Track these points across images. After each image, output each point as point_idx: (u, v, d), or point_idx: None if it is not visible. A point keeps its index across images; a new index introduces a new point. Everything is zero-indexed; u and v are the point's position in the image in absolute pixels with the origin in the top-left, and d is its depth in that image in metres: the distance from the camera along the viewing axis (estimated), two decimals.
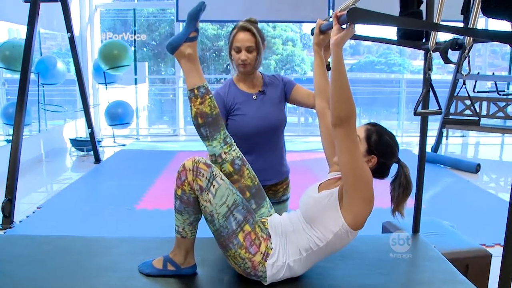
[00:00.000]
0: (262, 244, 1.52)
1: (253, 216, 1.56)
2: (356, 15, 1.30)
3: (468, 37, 1.59)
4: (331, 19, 1.68)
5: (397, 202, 1.54)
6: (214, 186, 1.48)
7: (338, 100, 1.38)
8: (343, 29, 1.37)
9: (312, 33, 1.80)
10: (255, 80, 2.05)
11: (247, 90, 2.03)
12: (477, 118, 1.85)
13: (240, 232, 1.51)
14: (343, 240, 1.51)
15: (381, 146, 1.52)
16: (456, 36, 1.77)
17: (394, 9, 1.95)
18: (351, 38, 1.43)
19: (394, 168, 1.59)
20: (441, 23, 1.73)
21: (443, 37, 1.74)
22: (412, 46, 1.93)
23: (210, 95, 1.66)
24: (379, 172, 1.55)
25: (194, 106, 1.63)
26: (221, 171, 1.63)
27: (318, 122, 1.81)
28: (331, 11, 6.84)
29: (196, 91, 1.63)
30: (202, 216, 1.57)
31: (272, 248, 1.53)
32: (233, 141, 1.72)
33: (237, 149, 1.71)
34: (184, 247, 1.60)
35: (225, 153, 1.66)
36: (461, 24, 1.77)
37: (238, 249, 1.50)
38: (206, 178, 1.48)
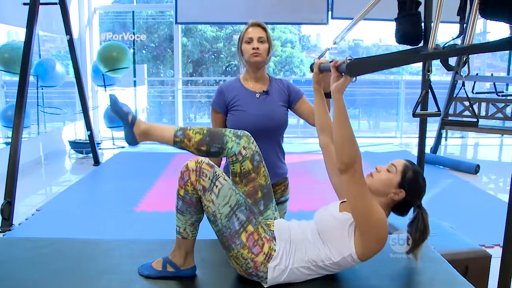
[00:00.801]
0: (265, 245, 1.53)
1: (256, 217, 1.57)
2: (355, 69, 1.33)
3: (467, 43, 1.59)
4: (327, 57, 1.71)
5: (414, 245, 1.57)
6: (217, 186, 1.49)
7: (341, 146, 1.41)
8: (342, 75, 1.40)
9: (311, 70, 1.80)
10: (261, 80, 2.07)
11: (252, 89, 2.05)
12: (475, 120, 1.86)
13: (242, 232, 1.51)
14: (346, 264, 1.53)
15: (413, 185, 1.55)
16: (453, 36, 1.78)
17: (393, 10, 1.96)
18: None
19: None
20: (440, 25, 1.74)
21: (443, 38, 1.75)
22: (412, 53, 1.94)
23: (188, 128, 1.68)
24: (400, 208, 1.58)
25: (189, 147, 1.67)
26: (241, 170, 1.65)
27: (323, 155, 1.81)
28: (329, 13, 6.85)
29: (176, 138, 1.67)
30: (203, 217, 1.58)
31: (275, 250, 1.53)
32: (245, 131, 1.71)
33: (255, 141, 1.71)
34: (184, 248, 1.60)
35: (244, 148, 1.66)
36: (457, 25, 1.78)
37: (240, 249, 1.51)
38: (209, 178, 1.48)
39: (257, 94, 2.03)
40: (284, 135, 2.15)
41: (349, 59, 1.39)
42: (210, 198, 1.49)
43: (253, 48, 1.97)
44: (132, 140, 1.69)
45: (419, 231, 1.56)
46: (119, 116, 1.69)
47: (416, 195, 1.57)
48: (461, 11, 1.75)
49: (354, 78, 1.39)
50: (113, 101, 1.72)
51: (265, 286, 1.54)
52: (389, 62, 1.39)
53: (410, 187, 1.54)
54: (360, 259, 1.50)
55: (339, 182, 1.72)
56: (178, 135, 1.66)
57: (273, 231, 1.60)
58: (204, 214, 1.57)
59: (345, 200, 1.63)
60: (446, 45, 1.75)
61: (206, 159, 1.53)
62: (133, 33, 8.08)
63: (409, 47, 2.00)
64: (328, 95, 1.81)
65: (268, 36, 2.02)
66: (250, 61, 2.01)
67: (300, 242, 1.56)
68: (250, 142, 1.67)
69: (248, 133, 1.70)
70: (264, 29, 2.02)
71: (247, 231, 1.52)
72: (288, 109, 2.12)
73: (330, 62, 1.66)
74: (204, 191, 1.48)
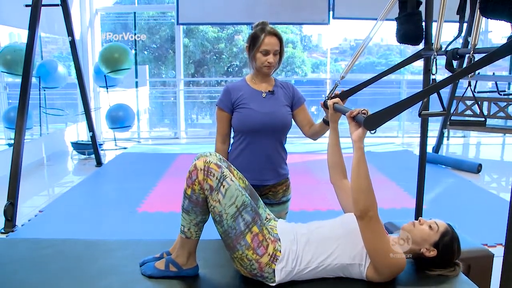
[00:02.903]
0: (270, 246, 1.53)
1: (260, 218, 1.58)
2: (372, 123, 1.39)
3: (472, 44, 1.60)
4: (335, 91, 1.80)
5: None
6: (224, 186, 1.50)
7: (358, 194, 1.46)
8: (359, 123, 1.45)
9: (325, 106, 1.85)
10: (267, 81, 2.09)
11: (258, 88, 2.07)
12: (482, 119, 1.87)
13: (248, 233, 1.52)
14: (354, 271, 1.56)
15: (447, 249, 1.60)
16: (454, 36, 1.78)
17: (393, 10, 1.96)
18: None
19: None
20: (443, 24, 1.74)
21: (444, 39, 1.76)
22: (415, 59, 1.96)
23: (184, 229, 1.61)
24: (424, 264, 1.63)
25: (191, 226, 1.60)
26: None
27: (334, 190, 1.85)
28: (331, 13, 6.86)
29: (183, 235, 1.61)
30: (208, 218, 1.59)
31: (280, 252, 1.54)
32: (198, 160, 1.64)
33: (210, 155, 1.72)
34: (188, 248, 1.61)
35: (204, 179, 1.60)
36: (457, 24, 1.78)
37: (245, 250, 1.51)
38: (217, 178, 1.50)
39: (263, 94, 2.05)
40: (287, 136, 2.15)
41: (363, 112, 1.46)
42: (217, 198, 1.50)
43: (268, 62, 1.99)
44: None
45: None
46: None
47: (445, 260, 1.61)
48: (461, 10, 1.75)
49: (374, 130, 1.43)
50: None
51: (272, 285, 1.55)
52: (402, 106, 1.42)
53: (443, 250, 1.59)
54: (368, 277, 1.54)
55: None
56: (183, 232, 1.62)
57: (277, 233, 1.61)
58: (210, 216, 1.58)
59: None
60: (448, 47, 1.76)
61: (214, 159, 1.55)
62: (134, 34, 8.09)
63: (410, 46, 2.01)
64: (326, 122, 1.90)
65: (282, 46, 2.03)
66: (261, 70, 2.04)
67: (306, 244, 1.57)
68: (205, 163, 1.53)
69: (201, 155, 1.70)
70: (280, 39, 2.02)
71: (252, 232, 1.52)
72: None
73: (340, 93, 1.78)
74: (211, 190, 1.49)
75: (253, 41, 2.01)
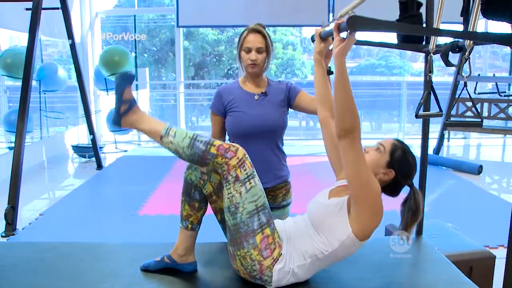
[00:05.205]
0: (276, 250, 1.53)
1: (273, 222, 1.58)
2: (356, 23, 1.29)
3: (468, 40, 1.59)
4: (326, 28, 1.68)
5: (405, 225, 1.55)
6: (250, 183, 1.51)
7: (342, 111, 1.39)
8: (344, 39, 1.37)
9: (312, 40, 1.78)
10: (260, 82, 2.08)
11: (250, 91, 2.05)
12: (479, 120, 1.85)
13: (259, 233, 1.51)
14: (348, 249, 1.51)
15: (402, 164, 1.53)
16: (456, 38, 1.77)
17: (394, 12, 1.96)
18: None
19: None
20: (441, 25, 1.73)
21: (443, 39, 1.75)
22: (413, 49, 1.93)
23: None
24: (391, 189, 1.57)
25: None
26: (213, 187, 1.64)
27: (321, 132, 1.79)
28: (330, 14, 6.86)
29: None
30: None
31: (281, 254, 1.53)
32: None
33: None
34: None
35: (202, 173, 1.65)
36: (461, 26, 1.77)
37: (251, 249, 1.51)
38: (247, 174, 1.52)
39: (255, 96, 2.04)
40: (286, 137, 2.14)
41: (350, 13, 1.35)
42: (240, 190, 1.50)
43: (251, 59, 1.97)
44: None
45: (411, 211, 1.53)
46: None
47: (406, 175, 1.55)
48: (465, 12, 1.74)
49: (354, 37, 1.35)
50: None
51: None
52: (389, 25, 1.37)
53: (400, 167, 1.53)
54: (359, 238, 1.47)
55: (337, 160, 1.71)
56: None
57: (280, 237, 1.60)
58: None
59: (333, 187, 1.63)
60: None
61: (250, 159, 1.56)
62: (134, 34, 8.10)
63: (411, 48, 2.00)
64: (329, 72, 1.81)
65: (268, 44, 2.00)
66: (247, 70, 2.02)
67: (295, 238, 1.56)
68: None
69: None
70: (264, 36, 1.98)
71: (263, 233, 1.52)
72: (289, 108, 2.11)
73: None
74: (235, 180, 1.50)
75: (238, 41, 2.02)
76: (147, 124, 1.59)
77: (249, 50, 1.97)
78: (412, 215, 1.53)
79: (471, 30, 1.60)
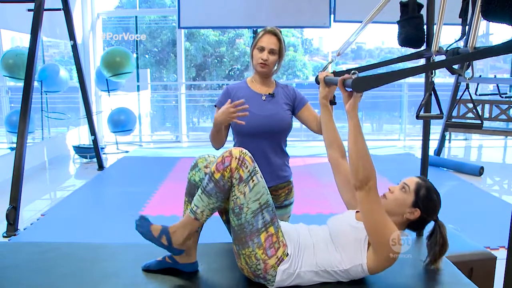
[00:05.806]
0: (280, 249, 1.53)
1: (278, 220, 1.58)
2: (361, 85, 1.35)
3: (470, 46, 1.60)
4: (329, 69, 1.73)
5: (434, 258, 1.61)
6: (253, 181, 1.51)
7: (356, 162, 1.42)
8: (351, 91, 1.42)
9: (317, 82, 1.80)
10: (268, 83, 2.09)
11: (258, 91, 2.07)
12: (479, 122, 1.86)
13: (264, 232, 1.52)
14: (355, 274, 1.54)
15: (427, 202, 1.55)
16: (456, 39, 1.78)
17: (394, 13, 1.96)
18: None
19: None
20: (442, 26, 1.74)
21: (444, 41, 1.76)
22: (416, 57, 1.95)
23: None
24: (416, 226, 1.60)
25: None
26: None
27: (332, 170, 1.80)
28: (332, 16, 6.87)
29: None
30: (223, 206, 1.60)
31: (287, 255, 1.54)
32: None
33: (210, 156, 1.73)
34: (189, 229, 1.59)
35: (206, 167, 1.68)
36: (459, 27, 1.78)
37: (256, 249, 1.51)
38: (249, 171, 1.51)
39: (263, 96, 2.05)
40: (288, 139, 2.15)
41: (353, 74, 1.40)
42: (243, 190, 1.50)
43: (262, 59, 1.99)
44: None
45: (438, 245, 1.59)
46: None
47: (431, 212, 1.57)
48: (463, 13, 1.75)
49: (361, 94, 1.41)
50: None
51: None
52: (393, 76, 1.41)
53: (425, 205, 1.55)
54: (369, 271, 1.51)
55: (350, 197, 1.73)
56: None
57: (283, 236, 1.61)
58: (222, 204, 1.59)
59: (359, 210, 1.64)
60: (449, 48, 1.76)
61: (248, 152, 1.55)
62: (135, 34, 8.11)
63: (411, 49, 2.01)
64: (331, 103, 1.82)
65: (281, 48, 2.02)
66: (257, 69, 2.04)
67: (310, 247, 1.56)
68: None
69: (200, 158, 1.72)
70: (279, 39, 2.01)
71: (268, 231, 1.52)
72: (292, 115, 2.12)
73: (332, 72, 1.68)
74: (240, 181, 1.50)
75: (253, 39, 2.05)
76: (182, 227, 1.59)
77: (262, 49, 1.99)
78: (440, 248, 1.59)
79: (472, 33, 1.61)
